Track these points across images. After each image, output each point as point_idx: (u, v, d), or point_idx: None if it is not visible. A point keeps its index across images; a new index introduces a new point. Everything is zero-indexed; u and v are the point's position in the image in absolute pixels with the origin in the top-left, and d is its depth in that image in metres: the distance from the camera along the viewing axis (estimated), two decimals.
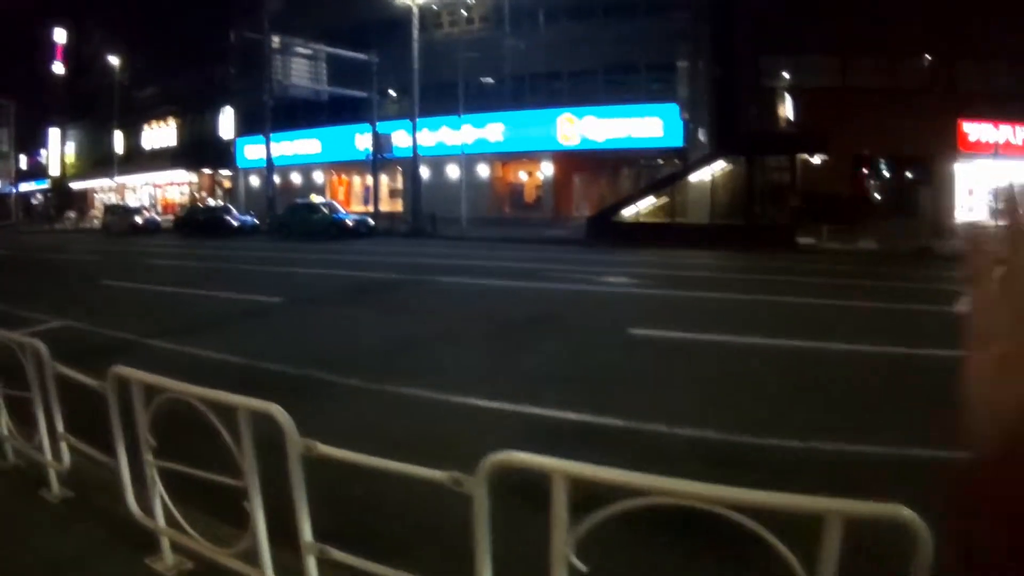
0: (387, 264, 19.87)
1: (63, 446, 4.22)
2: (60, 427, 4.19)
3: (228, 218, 36.26)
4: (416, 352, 9.11)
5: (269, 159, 37.31)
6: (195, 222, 37.48)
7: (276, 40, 32.99)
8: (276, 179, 39.61)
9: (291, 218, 32.56)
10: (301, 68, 33.67)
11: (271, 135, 37.45)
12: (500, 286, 15.27)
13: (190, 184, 54.31)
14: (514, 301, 13.15)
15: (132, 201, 50.75)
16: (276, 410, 2.82)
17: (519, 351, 9.00)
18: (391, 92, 37.28)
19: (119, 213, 43.82)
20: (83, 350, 8.46)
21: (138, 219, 42.00)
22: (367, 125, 36.05)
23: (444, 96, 34.68)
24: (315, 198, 36.85)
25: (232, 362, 8.57)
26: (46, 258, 26.64)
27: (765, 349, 8.62)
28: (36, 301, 13.79)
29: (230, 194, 49.79)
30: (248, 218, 36.66)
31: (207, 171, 52.10)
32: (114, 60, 53.61)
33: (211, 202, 43.45)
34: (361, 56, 34.35)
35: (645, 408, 6.23)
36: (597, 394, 6.86)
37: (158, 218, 44.39)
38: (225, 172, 50.08)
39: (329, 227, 30.61)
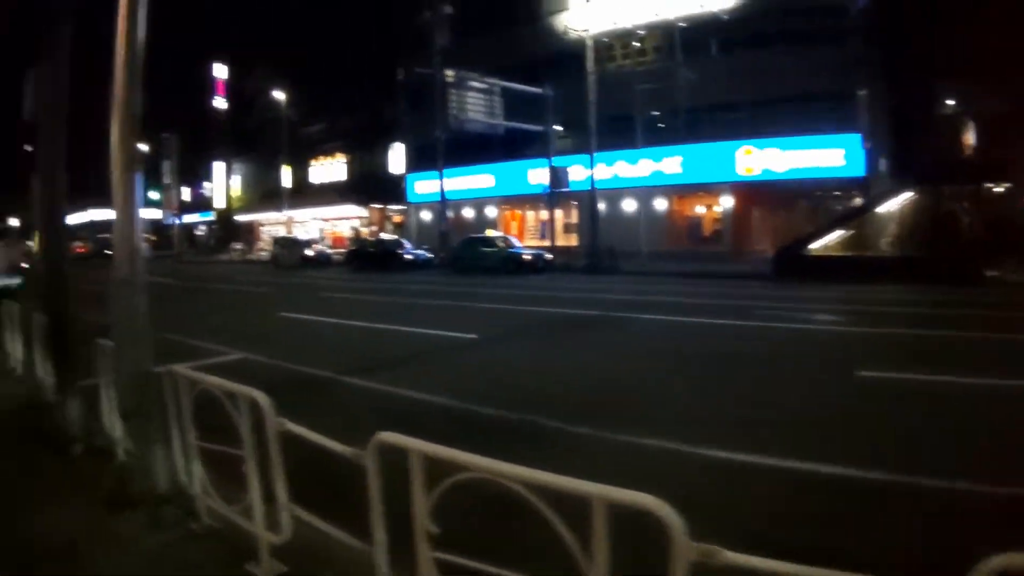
0: (573, 300, 20.61)
1: (284, 515, 3.99)
2: (283, 495, 3.97)
3: (401, 252, 39.59)
4: (635, 395, 9.28)
5: (442, 194, 40.30)
6: (367, 255, 41.17)
7: (450, 74, 35.61)
8: (449, 213, 42.86)
9: (466, 252, 35.20)
10: (476, 102, 36.16)
11: (441, 170, 40.63)
12: (699, 324, 15.69)
13: (359, 218, 58.60)
14: (721, 340, 13.45)
15: (301, 234, 56.12)
16: (655, 504, 2.34)
17: (750, 395, 9.11)
18: (557, 127, 39.41)
19: (288, 245, 48.63)
20: (270, 385, 8.95)
21: (308, 251, 46.56)
22: (542, 159, 38.56)
23: (618, 129, 37.13)
24: (490, 232, 39.52)
25: (442, 404, 8.84)
26: (217, 288, 29.52)
27: (1011, 391, 8.83)
28: (212, 332, 15.10)
29: (400, 228, 54.50)
30: (422, 252, 39.85)
31: (377, 206, 56.22)
32: (280, 96, 60.62)
33: (383, 236, 48.54)
34: (535, 90, 36.89)
35: (916, 460, 6.34)
36: (857, 445, 6.89)
37: (328, 251, 49.16)
38: (395, 207, 55.03)
39: (505, 262, 33.06)
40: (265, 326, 17.36)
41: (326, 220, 61.79)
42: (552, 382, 10.22)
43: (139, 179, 5.27)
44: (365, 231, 58.45)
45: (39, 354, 8.71)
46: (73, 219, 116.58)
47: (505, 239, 36.56)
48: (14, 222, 43.03)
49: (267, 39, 66.72)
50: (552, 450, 6.84)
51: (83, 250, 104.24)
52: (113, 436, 6.13)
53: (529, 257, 33.96)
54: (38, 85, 7.87)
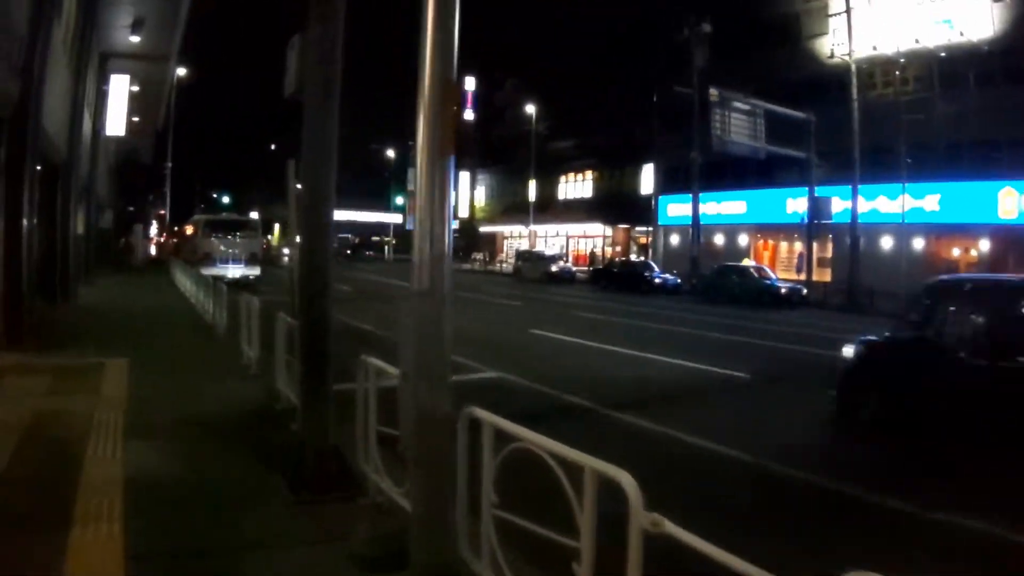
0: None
1: None
2: None
3: (649, 275, 40.81)
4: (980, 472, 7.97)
5: (695, 218, 41.33)
6: (614, 276, 42.84)
7: (715, 93, 35.97)
8: (677, 238, 44.26)
9: (719, 281, 35.99)
10: (740, 124, 36.34)
11: (696, 193, 41.46)
12: None
13: (603, 237, 60.81)
14: None
15: (543, 249, 58.56)
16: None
17: None
18: (810, 155, 38.42)
19: (533, 260, 51.16)
20: (525, 411, 8.49)
21: (553, 267, 48.73)
22: (800, 188, 38.84)
23: (874, 161, 36.64)
24: (746, 262, 40.44)
25: (743, 461, 8.09)
26: (465, 298, 30.15)
27: None
28: (464, 344, 14.45)
29: (644, 251, 55.87)
30: (670, 277, 40.94)
31: (622, 226, 58.21)
32: (531, 110, 63.11)
33: (632, 257, 49.59)
34: (797, 114, 36.96)
35: None
36: None
37: (572, 268, 51.11)
38: (641, 228, 56.32)
39: (760, 294, 33.50)
40: (517, 343, 18.13)
41: (570, 237, 63.61)
42: (873, 445, 9.23)
43: (451, 167, 4.43)
44: (608, 251, 59.67)
45: (281, 358, 9.45)
46: None
47: (760, 269, 36.84)
48: (254, 215, 46.18)
49: (520, 52, 69.24)
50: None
51: None
52: (369, 474, 5.83)
53: (785, 291, 34.16)
54: (306, 52, 6.86)
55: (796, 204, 40.73)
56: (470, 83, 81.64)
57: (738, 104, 36.49)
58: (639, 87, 52.76)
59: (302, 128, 6.72)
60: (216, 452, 7.38)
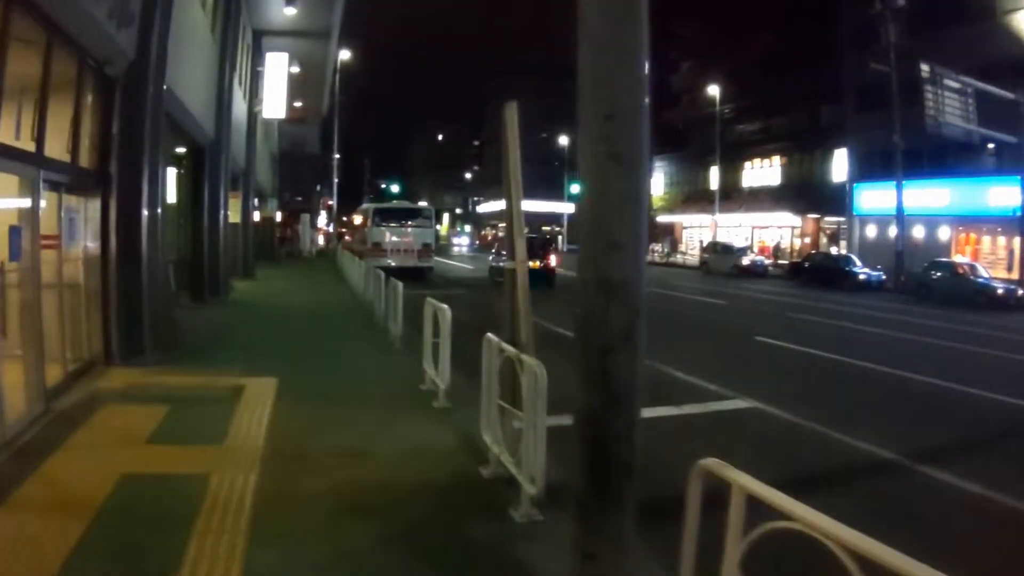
0: None
1: None
2: None
3: (852, 270, 39.10)
4: None
5: (900, 209, 39.03)
6: (812, 270, 41.29)
7: (926, 69, 33.70)
8: (891, 231, 41.99)
9: (930, 279, 34.03)
10: (952, 104, 34.16)
11: (900, 181, 39.16)
12: None
13: (792, 228, 58.64)
14: None
15: (728, 239, 56.45)
16: None
17: None
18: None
19: (721, 252, 49.81)
20: (795, 460, 8.30)
21: (744, 260, 47.43)
22: (1006, 176, 36.66)
23: None
24: (958, 258, 38.18)
25: None
26: (657, 293, 29.33)
27: None
28: (686, 356, 14.28)
29: (834, 242, 53.72)
30: (873, 272, 38.96)
31: (812, 216, 55.78)
32: (713, 92, 61.50)
33: (833, 251, 47.56)
34: (1007, 95, 34.40)
35: None
36: None
37: (764, 261, 49.44)
38: (831, 218, 54.15)
39: (975, 294, 31.41)
40: (747, 355, 16.59)
41: (756, 227, 61.67)
42: None
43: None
44: (796, 243, 57.78)
45: (490, 401, 7.02)
46: (486, 207, 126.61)
47: (972, 267, 34.47)
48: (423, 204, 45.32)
49: (698, 33, 67.76)
50: None
51: (490, 237, 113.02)
52: None
53: (1002, 291, 31.85)
54: None
55: (1000, 194, 38.23)
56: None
57: (949, 82, 34.15)
58: (828, 66, 50.78)
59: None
60: None
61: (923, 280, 34.62)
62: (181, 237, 19.50)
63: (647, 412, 4.35)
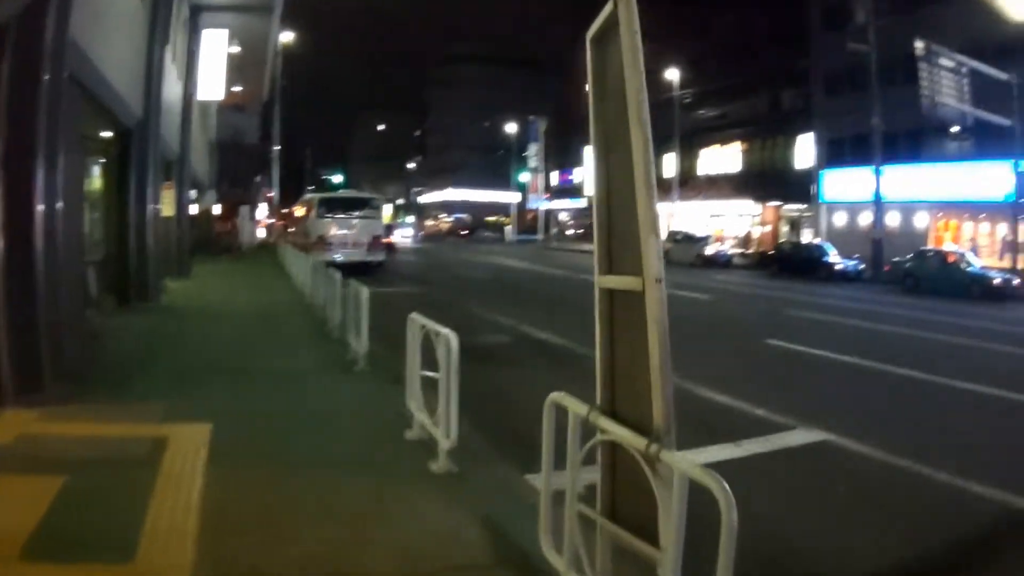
0: None
1: None
2: None
3: (827, 260, 36.75)
4: None
5: (878, 195, 36.55)
6: (785, 260, 38.94)
7: (920, 46, 31.82)
8: (868, 218, 39.99)
9: (919, 268, 31.83)
10: (948, 84, 32.40)
11: (879, 166, 36.93)
12: None
13: (752, 216, 56.34)
14: None
15: (687, 228, 53.55)
16: None
17: None
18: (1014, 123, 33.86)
19: (683, 241, 47.20)
20: (968, 537, 6.16)
21: (708, 250, 45.08)
22: (992, 160, 34.87)
23: None
24: (947, 245, 35.91)
25: None
26: None
27: None
28: (706, 368, 12.09)
29: (795, 231, 51.60)
30: (851, 262, 36.61)
31: (773, 203, 53.47)
32: (668, 78, 58.82)
33: (805, 239, 44.92)
34: (1002, 75, 32.52)
35: None
36: None
37: (728, 251, 47.02)
38: (793, 206, 51.72)
39: (969, 284, 29.35)
40: (770, 364, 13.94)
41: (713, 216, 59.12)
42: None
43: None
44: (758, 231, 55.45)
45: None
46: (430, 197, 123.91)
47: (961, 255, 31.95)
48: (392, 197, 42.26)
49: (651, 16, 65.60)
50: None
51: (433, 228, 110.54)
52: None
53: (998, 281, 29.58)
54: None
55: (987, 179, 36.17)
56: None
57: (944, 61, 32.07)
58: (791, 49, 48.62)
59: None
60: None
61: (910, 270, 32.08)
62: (105, 234, 16.69)
63: (704, 455, 4.28)
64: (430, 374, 6.84)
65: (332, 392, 9.60)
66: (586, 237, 74.61)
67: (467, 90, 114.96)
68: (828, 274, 35.70)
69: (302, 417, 8.23)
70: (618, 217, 3.88)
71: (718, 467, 6.47)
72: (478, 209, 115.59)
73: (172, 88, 22.58)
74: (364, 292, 10.67)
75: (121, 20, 14.76)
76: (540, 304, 22.53)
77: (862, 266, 36.65)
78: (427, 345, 7.05)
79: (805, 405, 10.12)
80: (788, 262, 38.43)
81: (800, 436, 8.67)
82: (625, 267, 3.72)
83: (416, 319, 7.48)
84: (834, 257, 37.01)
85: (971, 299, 28.07)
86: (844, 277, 35.51)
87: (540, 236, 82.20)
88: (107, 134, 16.47)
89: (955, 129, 35.71)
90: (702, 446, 7.70)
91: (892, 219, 41.89)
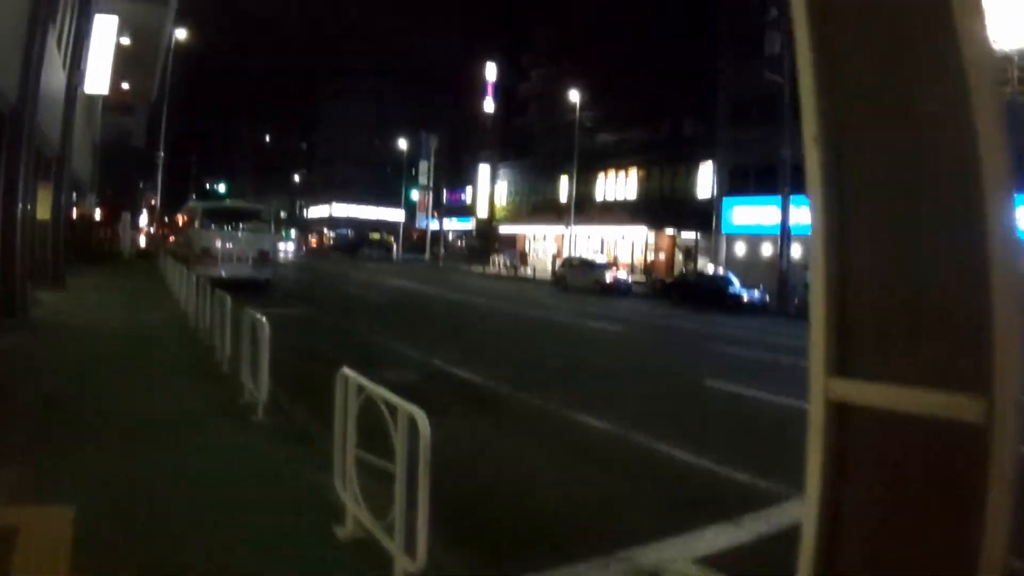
0: None
1: None
2: None
3: (731, 290, 35.75)
4: None
5: (785, 225, 35.86)
6: (688, 288, 37.76)
7: None
8: (765, 248, 39.52)
9: None
10: None
11: (786, 196, 36.37)
12: None
13: (645, 243, 55.85)
14: None
15: (582, 254, 52.44)
16: None
17: None
18: None
19: (579, 267, 45.50)
20: None
21: (607, 277, 43.36)
22: None
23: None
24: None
25: None
26: (512, 313, 26.99)
27: None
28: (651, 418, 10.66)
29: (691, 258, 50.85)
30: (756, 292, 35.89)
31: (670, 231, 52.77)
32: (566, 101, 57.76)
33: (709, 269, 43.90)
34: None
35: None
36: None
37: (627, 278, 45.36)
38: (688, 234, 51.08)
39: None
40: (714, 409, 12.27)
41: (605, 240, 58.14)
42: None
43: None
44: (650, 257, 54.71)
45: None
46: (314, 212, 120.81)
47: None
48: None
49: (553, 37, 65.20)
50: None
51: (315, 244, 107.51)
52: None
53: None
54: None
55: None
56: (491, 71, 77.31)
57: None
58: (694, 77, 48.14)
59: None
60: None
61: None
62: None
63: (704, 542, 4.22)
64: (371, 457, 5.08)
65: (230, 454, 7.50)
66: (474, 258, 73.12)
67: (356, 104, 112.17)
68: (732, 305, 34.57)
69: (194, 494, 6.12)
70: (884, 269, 2.05)
71: (727, 557, 5.60)
72: (363, 225, 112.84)
73: (55, 76, 20.18)
74: (264, 327, 8.64)
75: None
76: (445, 332, 20.41)
77: (767, 297, 35.77)
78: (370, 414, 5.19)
79: (786, 464, 8.39)
80: (691, 291, 37.25)
81: (800, 508, 6.81)
82: (896, 369, 1.95)
83: (351, 377, 5.46)
84: (737, 288, 36.05)
85: None
86: (750, 308, 34.56)
87: (427, 255, 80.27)
88: None
89: None
90: (694, 527, 6.25)
91: (793, 250, 41.53)
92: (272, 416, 8.66)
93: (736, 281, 36.81)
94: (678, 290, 38.44)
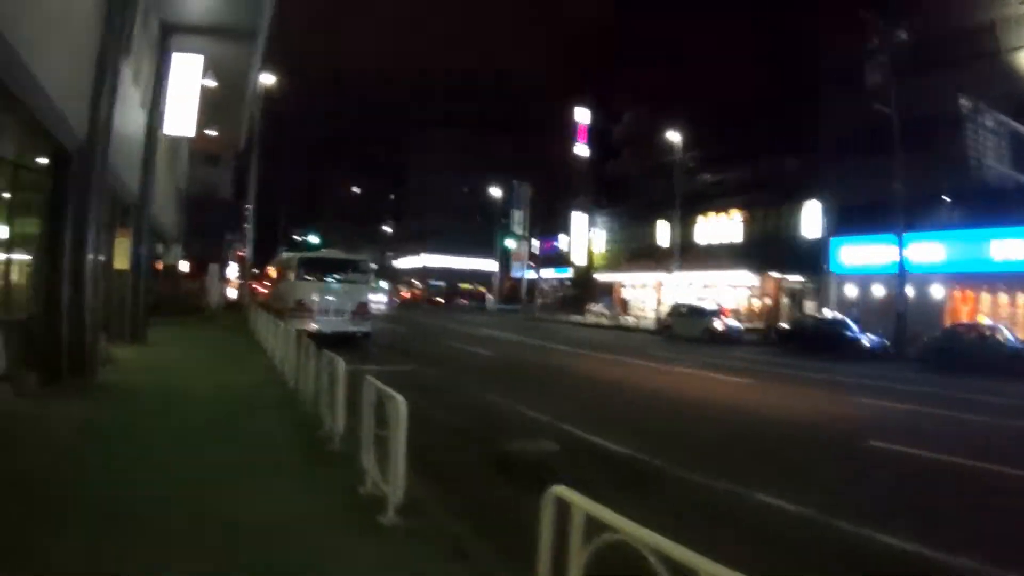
0: None
1: None
2: None
3: (851, 335, 34.50)
4: None
5: (902, 265, 35.15)
6: (804, 335, 36.61)
7: (966, 103, 30.27)
8: (881, 289, 38.64)
9: (953, 344, 29.99)
10: (991, 145, 31.14)
11: (901, 234, 35.32)
12: None
13: (749, 288, 54.69)
14: None
15: (690, 301, 50.49)
16: None
17: None
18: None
19: (687, 315, 44.56)
20: None
21: (717, 324, 42.41)
22: (1010, 229, 33.89)
23: None
24: (982, 319, 34.10)
25: None
26: (630, 364, 26.46)
27: None
28: (824, 492, 9.67)
29: (797, 302, 49.52)
30: (875, 337, 34.49)
31: (774, 274, 51.75)
32: (662, 143, 57.20)
33: (827, 313, 42.54)
34: None
35: None
36: None
37: (739, 325, 44.41)
38: (794, 276, 49.85)
39: (1010, 359, 27.48)
40: (896, 477, 11.01)
41: (707, 287, 57.02)
42: None
43: None
44: (757, 303, 53.79)
45: None
46: (403, 263, 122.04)
47: (994, 329, 30.27)
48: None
49: (641, 78, 64.97)
50: None
51: (408, 295, 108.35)
52: None
53: None
54: None
55: (1004, 248, 35.12)
56: (583, 115, 77.29)
57: (986, 121, 30.72)
58: (797, 113, 47.28)
59: None
60: None
61: (942, 345, 30.47)
62: (30, 287, 14.07)
63: None
64: None
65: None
66: (569, 307, 72.71)
67: (446, 153, 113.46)
68: (852, 352, 33.27)
69: None
70: None
71: None
72: (455, 276, 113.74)
73: (132, 114, 20.01)
74: (400, 405, 6.74)
75: (67, 17, 12.47)
76: (564, 390, 19.62)
77: (887, 342, 34.62)
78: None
79: (998, 542, 7.81)
80: (808, 338, 36.11)
81: None
82: None
83: (577, 503, 3.81)
84: (856, 333, 34.83)
85: (1013, 375, 26.13)
86: (871, 355, 33.25)
87: (520, 306, 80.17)
88: (42, 160, 13.79)
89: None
90: None
91: (907, 290, 40.49)
92: (407, 517, 6.83)
93: (854, 325, 35.84)
94: (793, 337, 37.47)
